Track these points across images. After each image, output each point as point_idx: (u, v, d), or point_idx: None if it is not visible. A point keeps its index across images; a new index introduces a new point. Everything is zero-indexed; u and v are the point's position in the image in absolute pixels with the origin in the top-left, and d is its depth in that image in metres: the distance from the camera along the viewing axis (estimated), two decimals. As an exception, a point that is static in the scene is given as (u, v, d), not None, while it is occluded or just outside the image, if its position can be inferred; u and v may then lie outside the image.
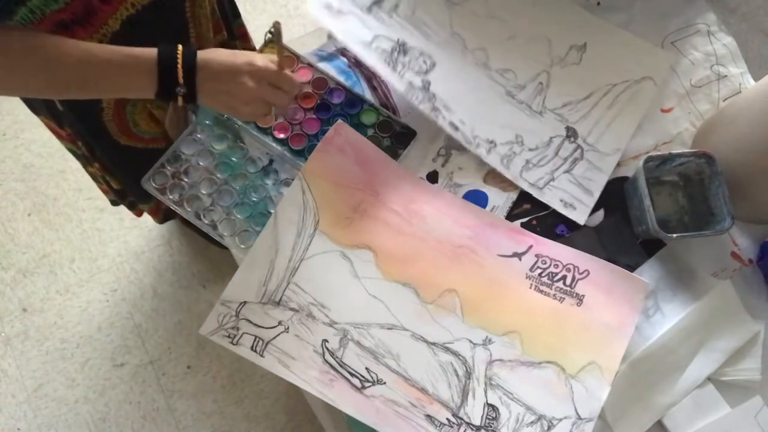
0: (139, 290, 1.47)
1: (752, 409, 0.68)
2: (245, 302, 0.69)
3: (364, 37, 0.76)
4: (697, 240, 0.73)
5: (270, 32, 0.66)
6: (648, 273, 0.72)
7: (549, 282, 0.71)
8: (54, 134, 0.94)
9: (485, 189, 0.76)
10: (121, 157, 0.89)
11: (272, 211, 0.73)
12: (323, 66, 0.81)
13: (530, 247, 0.73)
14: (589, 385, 0.67)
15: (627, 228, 0.75)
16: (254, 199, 0.75)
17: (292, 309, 0.69)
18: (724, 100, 0.82)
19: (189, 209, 0.74)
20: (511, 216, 0.75)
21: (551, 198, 0.75)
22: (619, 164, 0.78)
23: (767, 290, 0.73)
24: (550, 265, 0.72)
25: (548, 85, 0.80)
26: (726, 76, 0.83)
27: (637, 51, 0.83)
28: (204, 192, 0.75)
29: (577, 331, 0.69)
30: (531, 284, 0.71)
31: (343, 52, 0.83)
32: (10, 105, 1.59)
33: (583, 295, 0.70)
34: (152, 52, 0.61)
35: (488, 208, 0.75)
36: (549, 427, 0.66)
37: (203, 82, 0.62)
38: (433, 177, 0.77)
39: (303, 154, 0.76)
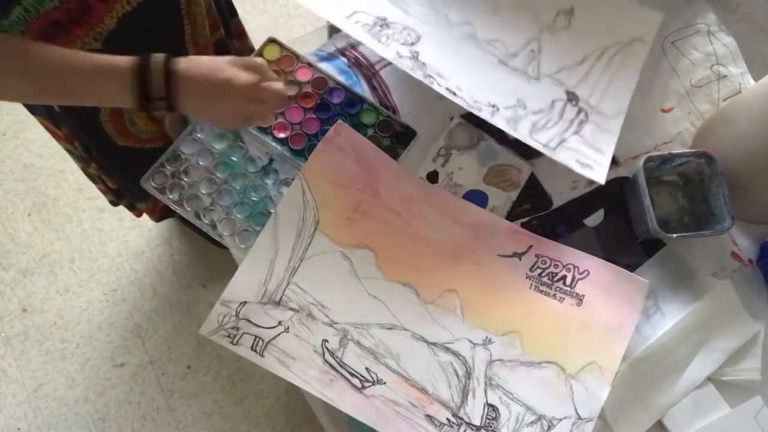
0: (139, 290, 1.47)
1: (752, 409, 0.68)
2: (245, 302, 0.69)
3: (342, 11, 0.73)
4: (697, 240, 0.73)
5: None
6: (648, 273, 0.72)
7: (549, 282, 0.71)
8: (51, 134, 0.94)
9: (485, 189, 0.76)
10: (118, 157, 0.89)
11: (272, 210, 0.73)
12: (323, 66, 0.81)
13: (530, 247, 0.73)
14: (589, 385, 0.67)
15: (627, 228, 0.75)
16: (254, 198, 0.75)
17: (292, 309, 0.69)
18: (724, 100, 0.82)
19: (189, 209, 0.74)
20: (511, 216, 0.75)
21: (566, 158, 0.71)
22: (619, 164, 0.78)
23: (767, 290, 0.73)
24: (550, 265, 0.72)
25: (540, 52, 0.79)
26: (726, 76, 0.83)
27: (623, 12, 0.82)
28: (204, 192, 0.75)
29: (577, 331, 0.69)
30: (531, 284, 0.71)
31: (343, 52, 0.83)
32: (10, 105, 1.59)
33: (583, 295, 0.70)
34: (130, 61, 0.58)
35: (488, 208, 0.75)
36: (549, 427, 0.66)
37: (183, 95, 0.60)
38: (433, 177, 0.77)
39: (303, 153, 0.76)
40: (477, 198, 0.75)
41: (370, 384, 0.66)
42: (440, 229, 0.73)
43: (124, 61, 0.58)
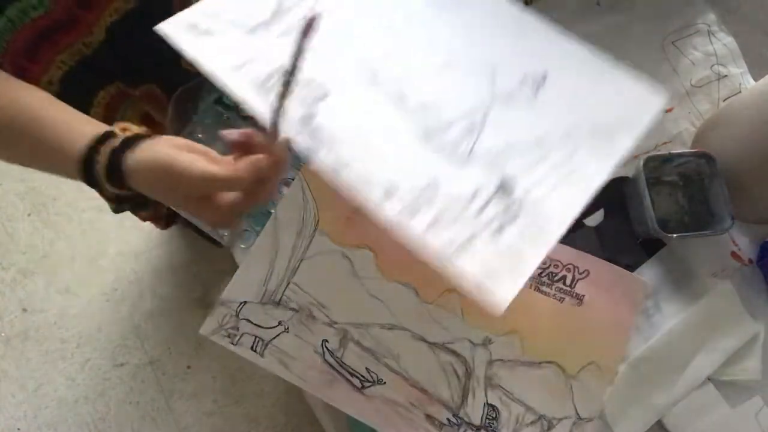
0: (139, 290, 1.47)
1: (752, 409, 0.68)
2: (245, 302, 0.69)
3: (232, 61, 0.60)
4: (697, 240, 0.73)
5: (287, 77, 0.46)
6: (648, 273, 0.72)
7: (549, 282, 0.71)
8: None
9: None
10: None
11: (272, 211, 0.73)
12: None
13: (530, 247, 0.72)
14: (589, 385, 0.67)
15: (627, 228, 0.75)
16: (254, 199, 0.75)
17: (292, 309, 0.69)
18: (724, 100, 0.82)
19: (189, 209, 0.74)
20: (511, 216, 0.75)
21: (465, 267, 0.55)
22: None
23: (767, 290, 0.73)
24: (550, 265, 0.72)
25: (484, 125, 0.62)
26: (726, 76, 0.83)
27: (614, 87, 0.64)
28: (204, 192, 0.75)
29: (577, 331, 0.69)
30: (531, 284, 0.71)
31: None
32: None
33: (583, 295, 0.70)
34: (78, 142, 0.47)
35: (488, 208, 0.75)
36: (549, 427, 0.66)
37: (141, 188, 0.48)
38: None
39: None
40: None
41: (370, 384, 0.67)
42: (440, 229, 0.73)
43: (77, 145, 0.48)
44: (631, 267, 0.72)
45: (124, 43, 0.66)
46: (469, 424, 0.65)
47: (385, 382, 0.67)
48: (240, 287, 0.70)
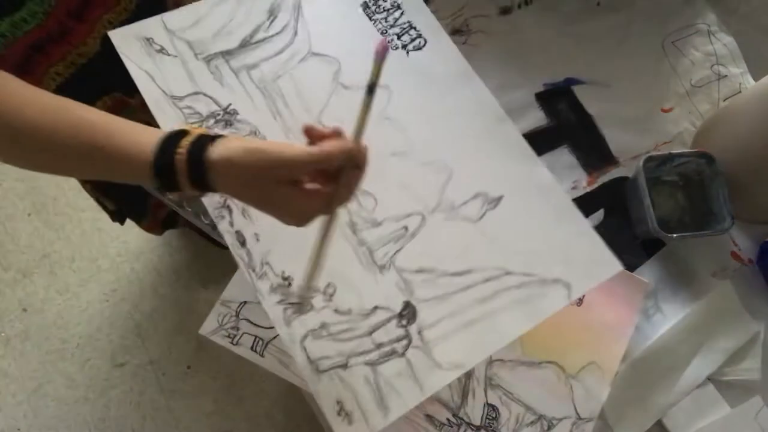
0: (139, 290, 1.47)
1: (752, 409, 0.68)
2: (245, 302, 0.69)
3: (177, 89, 0.56)
4: (697, 240, 0.73)
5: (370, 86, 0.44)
6: (648, 273, 0.72)
7: (549, 282, 0.71)
8: None
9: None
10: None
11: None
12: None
13: (530, 247, 0.72)
14: (589, 385, 0.67)
15: (627, 228, 0.75)
16: (254, 199, 0.75)
17: (292, 309, 0.69)
18: (724, 100, 0.82)
19: (189, 209, 0.74)
20: (511, 216, 0.75)
21: (324, 395, 0.51)
22: (619, 164, 0.78)
23: (767, 290, 0.73)
24: (550, 265, 0.72)
25: (414, 235, 0.57)
26: (726, 76, 0.83)
27: (573, 244, 0.58)
28: (204, 192, 0.75)
29: (577, 331, 0.69)
30: (531, 284, 0.71)
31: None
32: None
33: (583, 295, 0.70)
34: (151, 142, 0.44)
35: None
36: (549, 427, 0.66)
37: (225, 180, 0.44)
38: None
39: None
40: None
41: (370, 384, 0.66)
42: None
43: (147, 140, 0.45)
44: (631, 267, 0.72)
45: (117, 56, 0.66)
46: (469, 424, 0.65)
47: (385, 382, 0.66)
48: (240, 287, 0.70)
